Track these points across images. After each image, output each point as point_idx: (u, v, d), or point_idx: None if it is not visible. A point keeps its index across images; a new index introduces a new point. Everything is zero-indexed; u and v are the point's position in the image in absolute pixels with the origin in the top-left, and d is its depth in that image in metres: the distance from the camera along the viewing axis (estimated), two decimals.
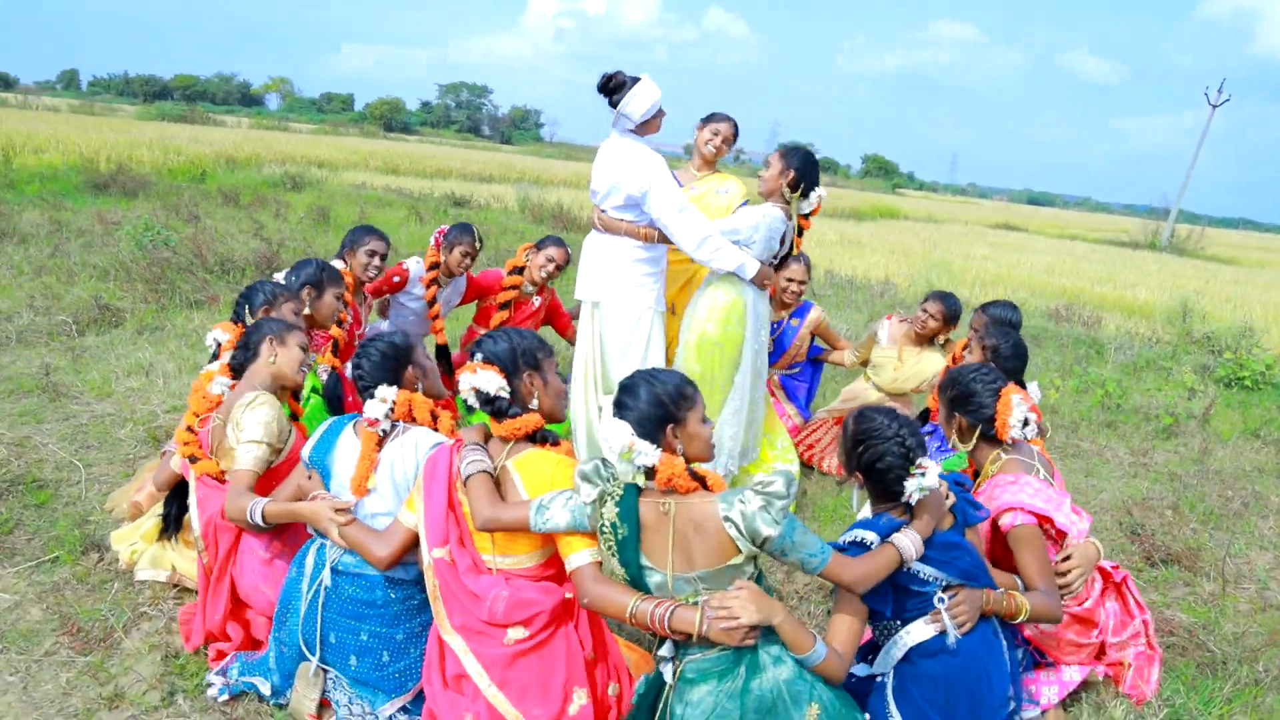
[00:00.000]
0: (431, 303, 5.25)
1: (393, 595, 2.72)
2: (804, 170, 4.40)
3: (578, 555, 2.44)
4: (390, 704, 2.69)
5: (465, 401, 2.62)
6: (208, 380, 3.28)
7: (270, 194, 17.26)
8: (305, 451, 2.90)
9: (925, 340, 5.30)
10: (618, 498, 2.36)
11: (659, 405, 2.38)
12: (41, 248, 9.95)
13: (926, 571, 2.61)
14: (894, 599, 2.65)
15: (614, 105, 4.32)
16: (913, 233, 27.31)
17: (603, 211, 4.47)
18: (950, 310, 5.16)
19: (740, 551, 2.30)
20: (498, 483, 2.59)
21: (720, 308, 4.37)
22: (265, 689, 2.86)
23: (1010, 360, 4.14)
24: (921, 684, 2.65)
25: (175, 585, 3.49)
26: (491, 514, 2.49)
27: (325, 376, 4.36)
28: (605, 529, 2.37)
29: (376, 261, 4.88)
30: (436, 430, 2.87)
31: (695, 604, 2.35)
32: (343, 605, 2.72)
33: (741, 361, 4.44)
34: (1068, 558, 3.13)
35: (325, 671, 2.75)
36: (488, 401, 2.61)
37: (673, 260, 4.72)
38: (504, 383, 2.60)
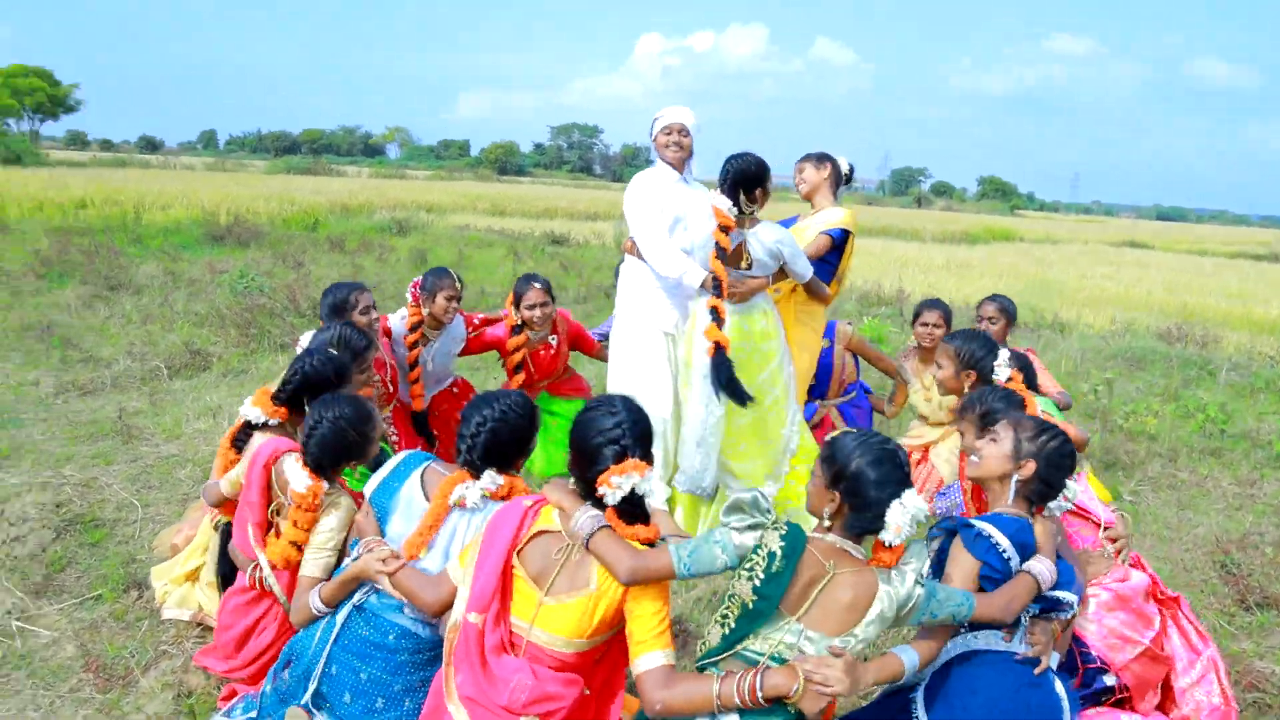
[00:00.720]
0: (413, 365, 4.92)
1: (404, 643, 2.66)
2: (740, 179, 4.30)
3: (651, 656, 2.27)
4: None
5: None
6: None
7: (376, 239, 17.85)
8: (369, 488, 2.85)
9: (932, 355, 5.04)
10: (784, 531, 2.27)
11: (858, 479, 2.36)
12: (153, 297, 10.48)
13: (1052, 595, 2.64)
14: None
15: None
16: (1027, 254, 26.37)
17: None
18: (948, 313, 4.98)
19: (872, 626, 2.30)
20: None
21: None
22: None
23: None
24: (962, 696, 2.57)
25: (199, 624, 3.54)
26: (638, 563, 2.30)
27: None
28: (758, 556, 2.26)
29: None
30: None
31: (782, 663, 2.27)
32: (351, 642, 2.66)
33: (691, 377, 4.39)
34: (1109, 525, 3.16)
35: (312, 716, 2.71)
36: (631, 501, 2.41)
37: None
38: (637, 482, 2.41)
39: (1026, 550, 2.62)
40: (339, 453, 2.95)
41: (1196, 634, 3.17)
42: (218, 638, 3.14)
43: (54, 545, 4.16)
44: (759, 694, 2.17)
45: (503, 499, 2.68)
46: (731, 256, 4.26)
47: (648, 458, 2.45)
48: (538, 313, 5.04)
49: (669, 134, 4.50)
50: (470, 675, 2.39)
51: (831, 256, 4.82)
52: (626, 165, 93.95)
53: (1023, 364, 4.57)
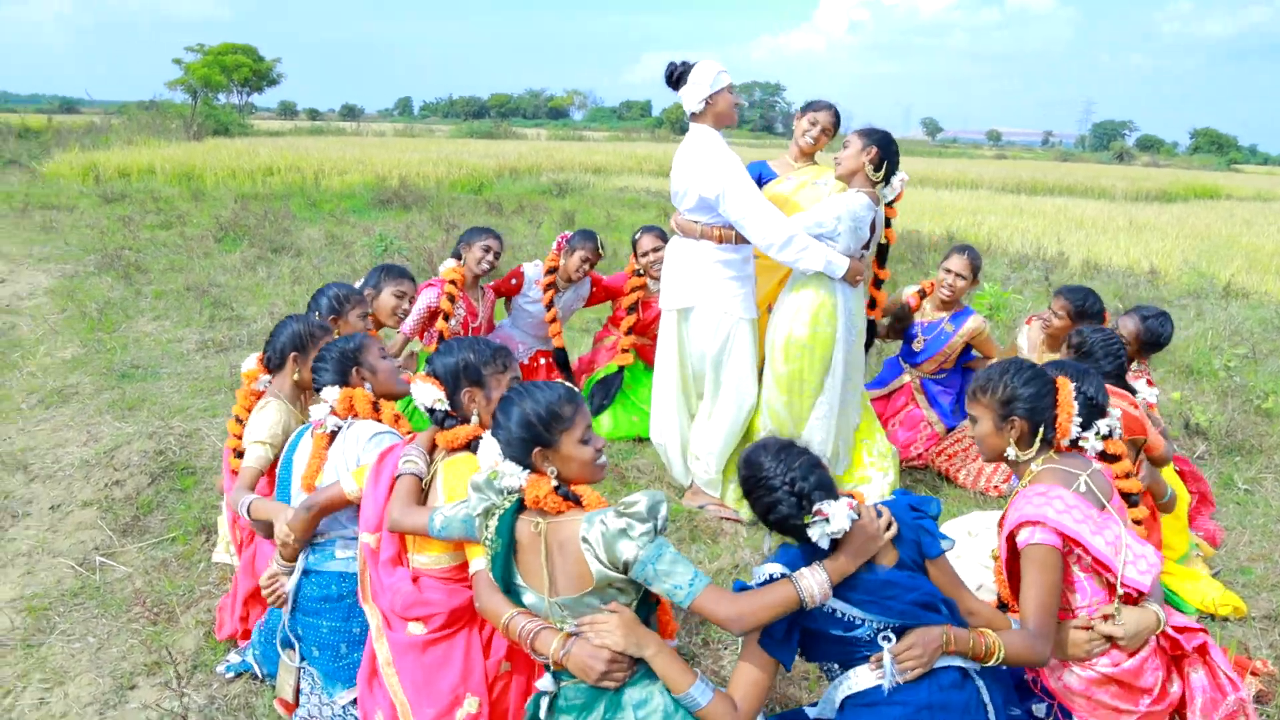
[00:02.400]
0: (549, 306, 5.36)
1: (346, 588, 2.84)
2: (886, 149, 4.09)
3: (477, 560, 2.45)
4: (345, 693, 2.81)
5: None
6: (251, 379, 3.57)
7: (536, 201, 18.34)
8: (284, 449, 3.12)
9: (1059, 342, 4.71)
10: (499, 513, 2.32)
11: (526, 427, 2.31)
12: (309, 260, 11.18)
13: (849, 613, 2.32)
14: (819, 645, 2.40)
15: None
16: (1230, 214, 24.15)
17: (681, 215, 4.38)
18: (1078, 307, 4.56)
19: (593, 576, 2.19)
20: (428, 486, 2.64)
21: (808, 308, 4.16)
22: (259, 670, 3.09)
23: (1106, 361, 3.65)
24: None
25: None
26: (398, 517, 2.56)
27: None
28: (486, 542, 2.35)
29: (490, 257, 5.07)
30: (380, 421, 2.97)
31: (563, 629, 2.28)
32: (306, 603, 2.87)
33: (832, 363, 4.20)
34: (1108, 617, 2.61)
35: (302, 660, 2.91)
36: (429, 412, 2.67)
37: (764, 258, 4.53)
38: (441, 395, 2.66)
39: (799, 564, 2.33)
40: (288, 346, 3.37)
41: (1226, 676, 2.86)
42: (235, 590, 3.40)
43: (148, 490, 4.58)
44: (529, 647, 2.27)
45: (348, 412, 2.98)
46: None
47: (434, 374, 2.72)
48: (651, 257, 5.28)
49: (734, 93, 4.32)
50: (377, 586, 2.65)
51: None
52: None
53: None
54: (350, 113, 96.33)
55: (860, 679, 2.37)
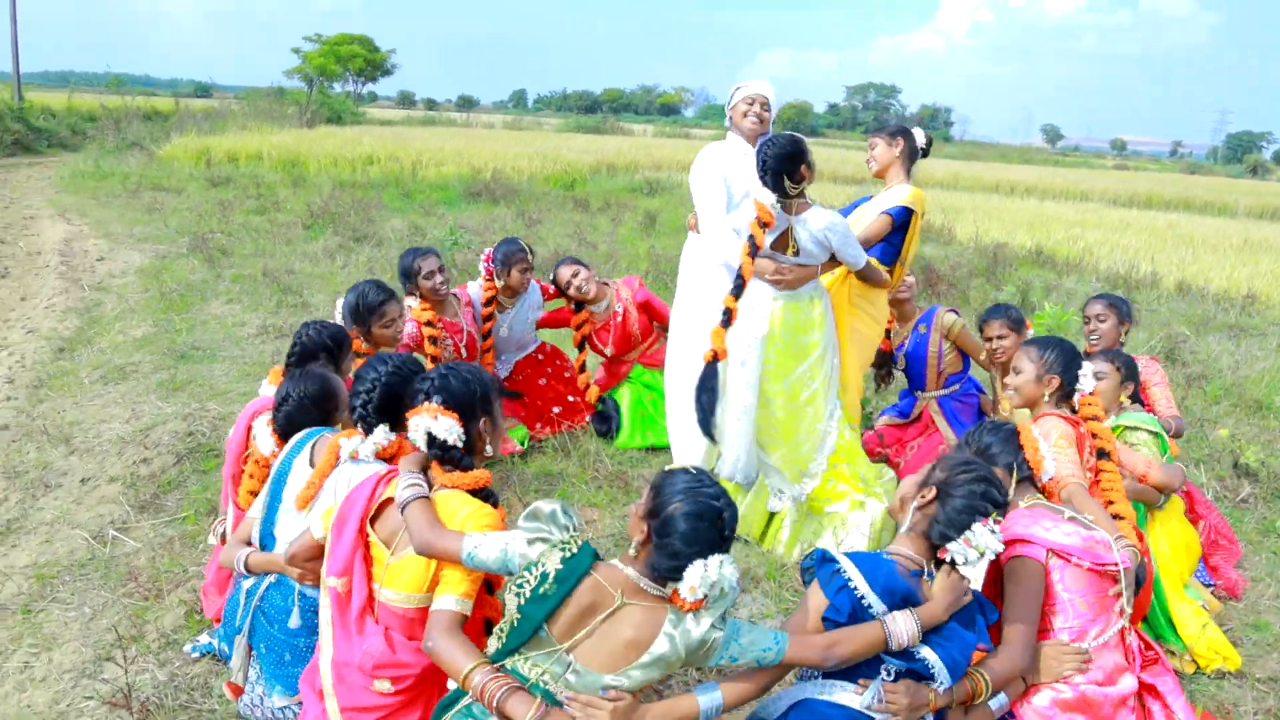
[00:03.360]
0: (485, 336, 5.25)
1: (302, 606, 2.90)
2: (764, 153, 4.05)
3: (446, 599, 2.41)
4: (281, 698, 2.88)
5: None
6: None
7: (625, 199, 18.42)
8: (282, 453, 3.17)
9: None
10: (569, 554, 2.27)
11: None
12: (387, 250, 11.49)
13: (918, 650, 2.42)
14: None
15: None
16: None
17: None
18: (1017, 321, 4.64)
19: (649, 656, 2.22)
20: None
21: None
22: (220, 652, 3.21)
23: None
24: None
25: None
26: (430, 538, 2.42)
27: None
28: (530, 573, 2.27)
29: (439, 278, 4.92)
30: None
31: (535, 694, 2.24)
32: (267, 604, 2.94)
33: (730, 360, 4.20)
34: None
35: (251, 650, 3.01)
36: (441, 447, 2.59)
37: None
38: (461, 431, 2.58)
39: (896, 597, 2.40)
40: (301, 423, 3.21)
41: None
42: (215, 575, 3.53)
43: (172, 469, 4.80)
44: (494, 706, 2.19)
45: (390, 458, 2.85)
46: (778, 243, 4.12)
47: (450, 405, 2.59)
48: (579, 284, 5.30)
49: (751, 104, 4.50)
50: (340, 636, 2.59)
51: (894, 237, 4.56)
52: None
53: (1129, 370, 4.12)
54: (466, 104, 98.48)
55: (841, 695, 2.41)
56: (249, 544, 3.11)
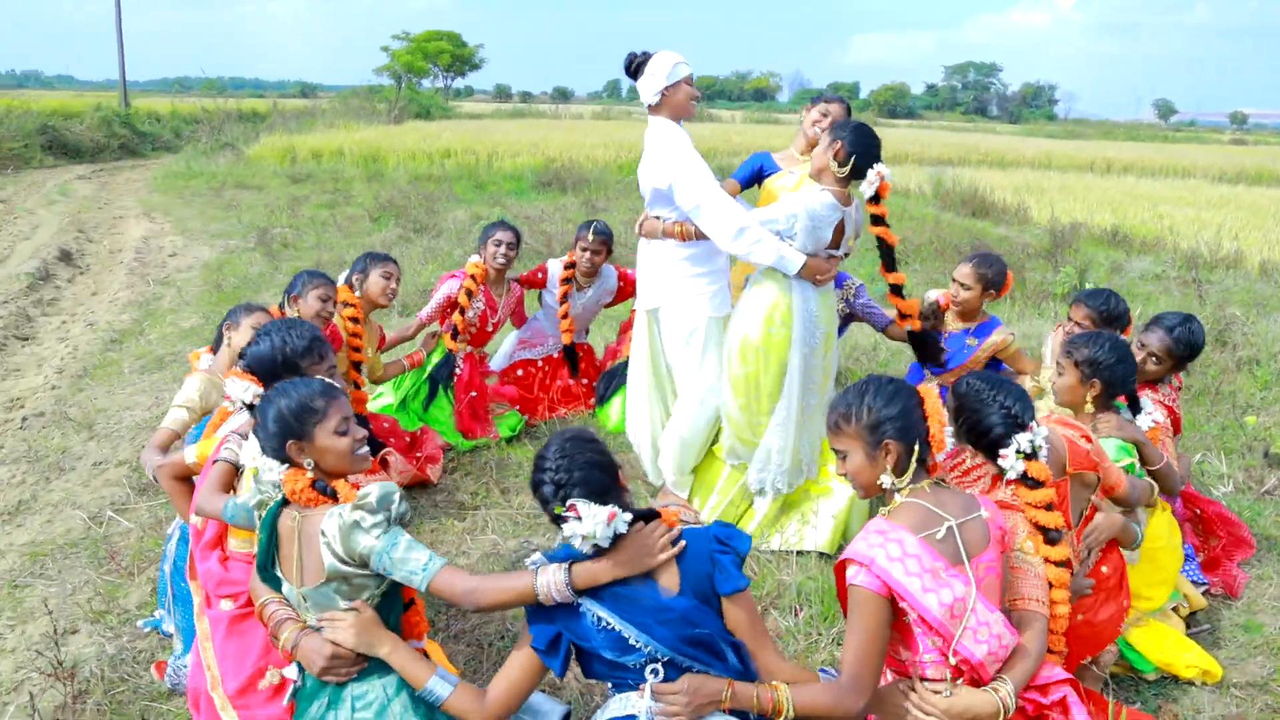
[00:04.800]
0: (562, 301, 5.47)
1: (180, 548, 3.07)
2: (855, 143, 3.84)
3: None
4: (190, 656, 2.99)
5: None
6: (195, 359, 3.82)
7: None
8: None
9: None
10: (269, 506, 2.42)
11: (279, 421, 2.36)
12: (447, 240, 11.70)
13: (620, 629, 2.25)
14: (591, 664, 2.36)
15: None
16: None
17: (646, 213, 4.32)
18: (1102, 314, 4.09)
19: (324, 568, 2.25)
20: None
21: (762, 308, 3.98)
22: (168, 625, 3.33)
23: (1115, 368, 3.31)
24: None
25: None
26: (201, 502, 2.74)
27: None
28: (256, 532, 2.46)
29: (503, 250, 5.16)
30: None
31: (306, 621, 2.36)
32: (179, 560, 3.09)
33: (789, 367, 4.01)
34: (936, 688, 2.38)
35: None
36: (245, 408, 2.80)
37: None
38: (260, 390, 2.72)
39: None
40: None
41: None
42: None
43: None
44: (270, 632, 2.37)
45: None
46: (834, 235, 3.96)
47: (252, 370, 2.81)
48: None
49: (693, 85, 4.19)
50: (192, 563, 2.90)
51: None
52: (1026, 106, 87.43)
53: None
54: (561, 96, 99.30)
55: (615, 706, 2.31)
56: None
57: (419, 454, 4.70)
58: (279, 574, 2.39)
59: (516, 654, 2.32)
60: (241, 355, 2.88)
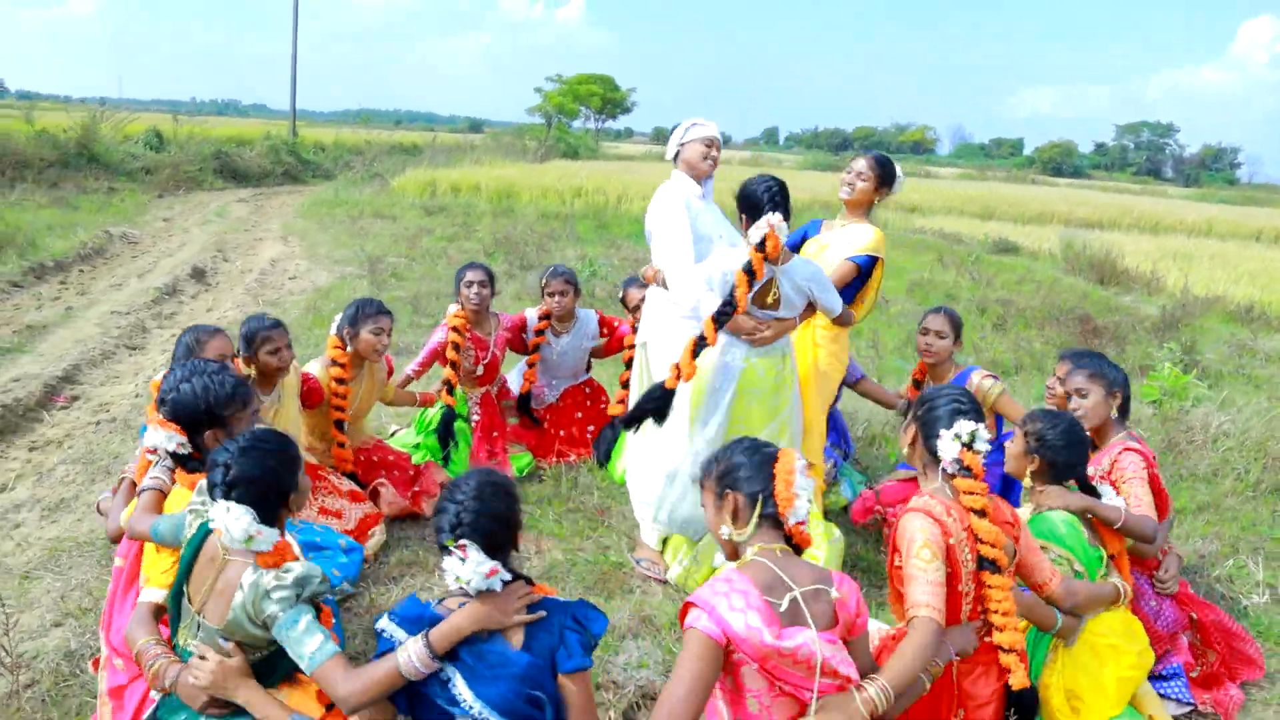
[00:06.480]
0: (533, 350, 5.62)
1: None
2: (745, 192, 3.90)
3: (148, 590, 2.76)
4: None
5: None
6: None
7: None
8: None
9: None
10: (203, 520, 2.55)
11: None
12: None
13: (456, 681, 2.33)
14: (423, 708, 2.41)
15: None
16: None
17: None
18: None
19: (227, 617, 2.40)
20: None
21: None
22: None
23: (1060, 452, 3.21)
24: None
25: None
26: (132, 523, 2.93)
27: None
28: (183, 543, 2.62)
29: (474, 289, 5.27)
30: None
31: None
32: None
33: (694, 417, 4.09)
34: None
35: None
36: (169, 454, 2.98)
37: None
38: (183, 440, 2.92)
39: (423, 624, 2.38)
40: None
41: None
42: None
43: None
44: (146, 673, 2.48)
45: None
46: (758, 294, 3.94)
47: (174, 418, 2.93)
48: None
49: (709, 146, 4.35)
50: (113, 609, 3.05)
51: (855, 282, 4.36)
52: (1204, 168, 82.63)
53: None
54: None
55: None
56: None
57: (416, 487, 4.84)
58: (187, 590, 2.52)
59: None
60: (163, 402, 2.93)
